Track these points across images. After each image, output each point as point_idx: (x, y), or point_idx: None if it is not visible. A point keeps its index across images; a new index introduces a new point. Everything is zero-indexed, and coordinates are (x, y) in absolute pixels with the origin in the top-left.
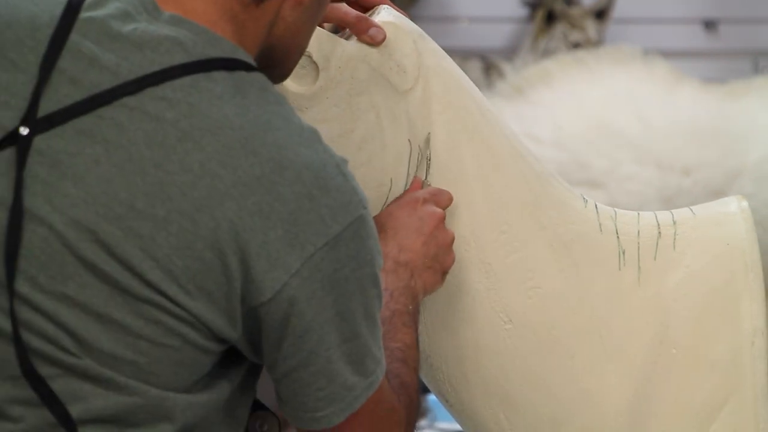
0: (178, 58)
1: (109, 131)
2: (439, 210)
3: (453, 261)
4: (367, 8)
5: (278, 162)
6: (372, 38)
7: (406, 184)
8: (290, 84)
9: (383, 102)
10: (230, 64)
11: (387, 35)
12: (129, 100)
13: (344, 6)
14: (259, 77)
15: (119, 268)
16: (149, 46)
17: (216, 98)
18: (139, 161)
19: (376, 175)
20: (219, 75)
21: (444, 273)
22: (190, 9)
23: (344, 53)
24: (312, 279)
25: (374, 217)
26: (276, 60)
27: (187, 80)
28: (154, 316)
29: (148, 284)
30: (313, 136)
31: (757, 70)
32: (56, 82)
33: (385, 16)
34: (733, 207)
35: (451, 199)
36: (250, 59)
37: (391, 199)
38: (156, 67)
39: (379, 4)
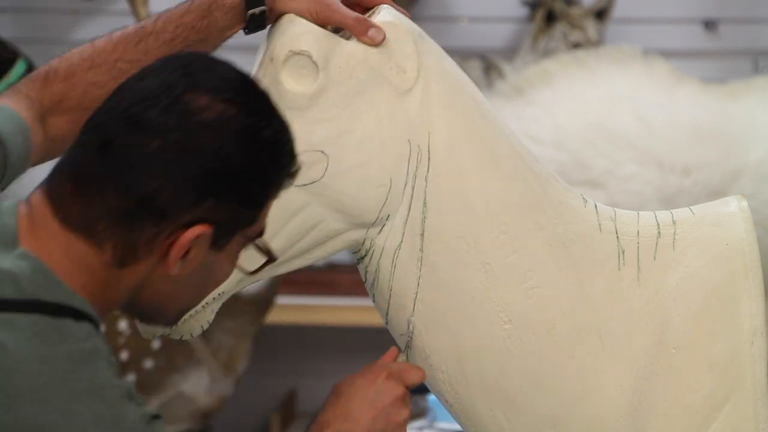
0: (8, 293)
1: None
2: (400, 388)
3: None
4: (367, 8)
5: (65, 414)
6: (372, 39)
7: (406, 184)
8: (290, 84)
9: (383, 102)
10: (59, 310)
11: (387, 35)
12: None
13: (343, 7)
14: (84, 328)
15: None
16: None
17: (26, 340)
18: None
19: (376, 175)
20: (40, 319)
21: None
22: (46, 251)
23: (344, 53)
24: None
25: (337, 384)
26: (149, 315)
27: (5, 316)
28: None
29: None
30: (115, 393)
31: (757, 70)
32: None
33: (385, 16)
34: (733, 207)
35: (422, 378)
36: (87, 308)
37: (390, 199)
38: None
39: (379, 4)
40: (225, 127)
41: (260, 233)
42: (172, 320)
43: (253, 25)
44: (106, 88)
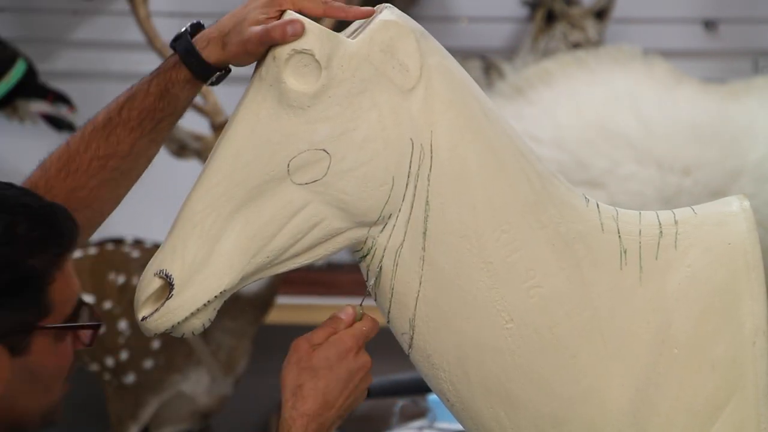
0: None
1: None
2: (367, 359)
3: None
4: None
5: None
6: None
7: (408, 183)
8: (292, 82)
9: (385, 101)
10: None
11: (390, 34)
12: None
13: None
14: None
15: None
16: None
17: None
18: None
19: (378, 174)
20: None
21: (352, 411)
22: None
23: (346, 52)
24: None
25: (306, 360)
26: (11, 427)
27: None
28: None
29: None
30: None
31: (757, 70)
32: None
33: (387, 15)
34: (735, 207)
35: (377, 327)
36: None
37: (392, 197)
38: None
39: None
40: None
41: (77, 310)
42: (39, 424)
43: (218, 80)
44: (87, 188)
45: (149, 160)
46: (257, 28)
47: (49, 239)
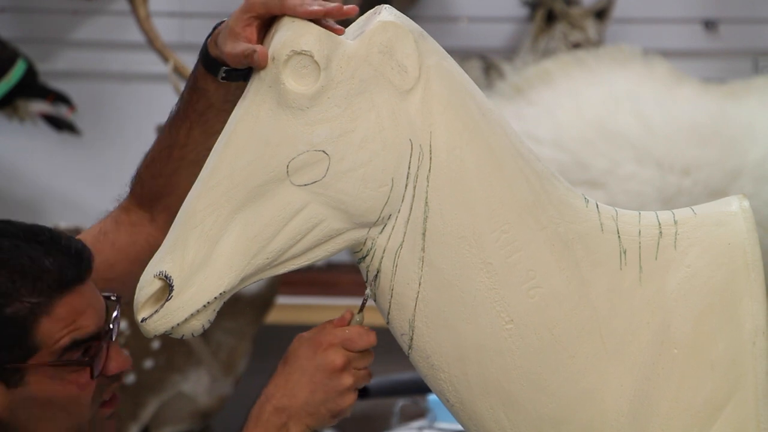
0: None
1: None
2: (339, 357)
3: (351, 402)
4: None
5: None
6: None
7: (407, 184)
8: (291, 83)
9: (384, 102)
10: None
11: (388, 35)
12: None
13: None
14: None
15: None
16: None
17: None
18: None
19: (377, 175)
20: None
21: (335, 416)
22: None
23: (345, 53)
24: None
25: (292, 344)
26: None
27: None
28: None
29: None
30: None
31: (757, 70)
32: None
33: (386, 15)
34: (735, 207)
35: (371, 342)
36: None
37: (391, 198)
38: None
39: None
40: None
41: (80, 344)
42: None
43: (235, 76)
44: (163, 175)
45: None
46: (233, 49)
47: (24, 290)
